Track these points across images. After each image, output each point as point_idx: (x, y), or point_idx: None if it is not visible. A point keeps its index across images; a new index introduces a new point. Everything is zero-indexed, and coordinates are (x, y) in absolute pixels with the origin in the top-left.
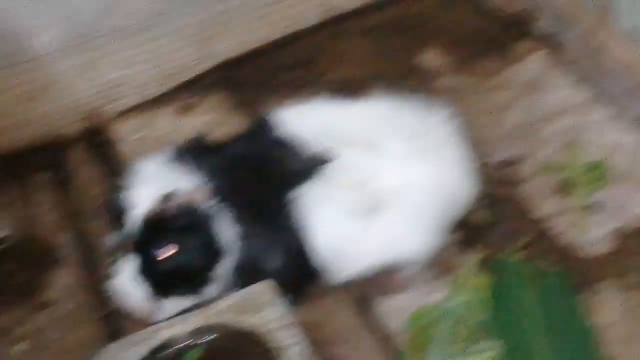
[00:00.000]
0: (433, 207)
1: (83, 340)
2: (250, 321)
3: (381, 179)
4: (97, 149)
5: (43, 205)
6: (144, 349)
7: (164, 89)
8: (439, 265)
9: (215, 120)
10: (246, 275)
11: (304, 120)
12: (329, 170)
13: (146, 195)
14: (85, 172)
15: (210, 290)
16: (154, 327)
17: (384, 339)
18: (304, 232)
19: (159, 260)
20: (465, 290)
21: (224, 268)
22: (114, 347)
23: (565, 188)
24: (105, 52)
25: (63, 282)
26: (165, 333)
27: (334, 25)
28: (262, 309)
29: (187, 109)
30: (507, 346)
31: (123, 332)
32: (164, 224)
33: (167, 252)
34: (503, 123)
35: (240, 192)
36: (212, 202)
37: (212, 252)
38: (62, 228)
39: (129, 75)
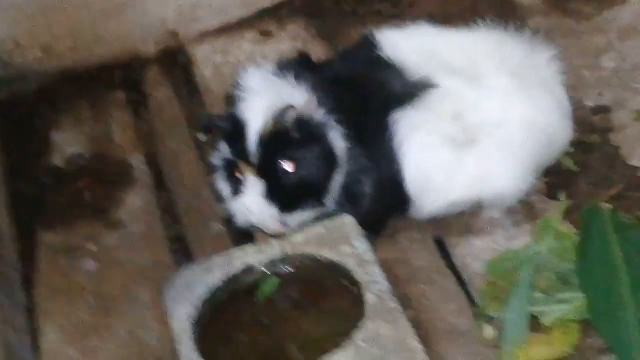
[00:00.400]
0: (529, 147)
1: (153, 262)
2: (330, 255)
3: (480, 112)
4: (174, 70)
5: (117, 125)
6: (218, 276)
7: (243, 13)
8: (523, 210)
9: (294, 48)
10: (347, 194)
11: (407, 43)
12: (428, 96)
13: (259, 108)
14: (160, 92)
15: (328, 201)
16: (228, 255)
17: (464, 281)
18: (398, 157)
19: (286, 175)
20: (549, 238)
21: (337, 180)
22: (187, 271)
23: None
24: None
25: (135, 202)
26: (240, 262)
27: None
28: (342, 244)
29: (266, 36)
30: (591, 298)
31: (194, 257)
32: (284, 138)
33: (292, 166)
34: (598, 67)
35: (344, 110)
36: (323, 113)
37: (329, 161)
38: (135, 148)
39: None
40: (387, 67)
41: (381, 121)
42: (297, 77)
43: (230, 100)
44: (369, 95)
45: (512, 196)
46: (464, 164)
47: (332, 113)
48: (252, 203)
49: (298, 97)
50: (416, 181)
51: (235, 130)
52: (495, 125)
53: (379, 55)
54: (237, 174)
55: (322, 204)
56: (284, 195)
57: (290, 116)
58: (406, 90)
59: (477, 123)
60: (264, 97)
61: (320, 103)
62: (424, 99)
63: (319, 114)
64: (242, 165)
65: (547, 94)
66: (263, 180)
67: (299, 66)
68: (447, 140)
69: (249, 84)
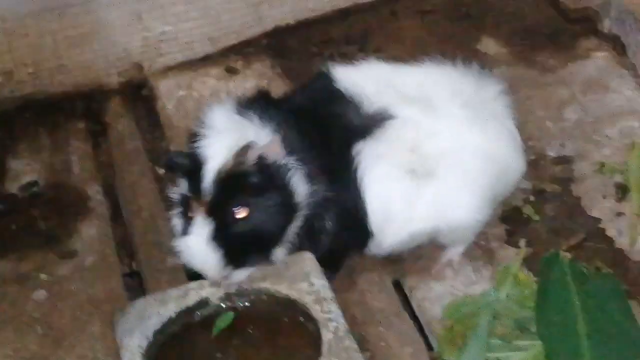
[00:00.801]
0: (484, 178)
1: (105, 294)
2: (287, 291)
3: (436, 143)
4: (137, 103)
5: (76, 154)
6: (173, 308)
7: (210, 49)
8: (483, 256)
9: (259, 86)
10: (308, 232)
11: (362, 77)
12: (386, 128)
13: (220, 146)
14: (122, 124)
15: (279, 253)
16: (184, 288)
17: (422, 325)
18: (360, 190)
19: (237, 221)
20: (509, 285)
21: (294, 228)
22: (141, 303)
23: (620, 191)
24: (156, 4)
25: (90, 233)
26: (195, 295)
27: (391, 4)
28: (301, 280)
29: (231, 73)
30: (549, 346)
31: (148, 291)
32: (241, 182)
33: (245, 213)
34: (561, 119)
35: (306, 147)
36: (286, 155)
37: (287, 212)
38: (92, 179)
39: (177, 32)
40: (344, 100)
41: (342, 155)
42: (260, 114)
43: (193, 137)
44: (329, 130)
45: (470, 227)
46: (423, 195)
47: (295, 152)
48: (195, 245)
49: (262, 136)
50: (377, 213)
51: (194, 168)
52: (451, 156)
53: (336, 88)
54: (189, 212)
55: (268, 260)
56: (231, 242)
57: (252, 156)
58: (365, 123)
59: (434, 154)
60: (227, 135)
61: (284, 141)
62: (382, 130)
63: (282, 156)
64: (194, 203)
65: (498, 126)
66: (211, 221)
67: (260, 103)
68: (407, 171)
69: (212, 121)
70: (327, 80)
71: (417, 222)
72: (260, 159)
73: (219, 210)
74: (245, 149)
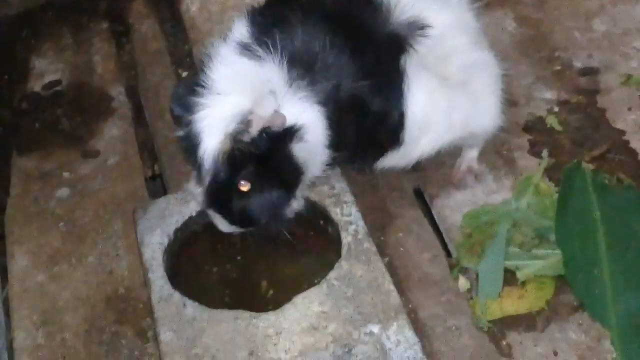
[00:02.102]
0: (499, 84)
1: (127, 193)
2: (307, 194)
3: (463, 55)
4: (160, 4)
5: (99, 55)
6: (195, 207)
7: None
8: (504, 166)
9: None
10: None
11: None
12: (424, 39)
13: (215, 120)
14: (145, 25)
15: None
16: None
17: (441, 232)
18: (398, 100)
19: (240, 199)
20: (529, 194)
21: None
22: (162, 201)
23: None
24: None
25: (112, 134)
26: None
27: None
28: (321, 183)
29: None
30: (568, 255)
31: (169, 192)
32: (242, 158)
33: (247, 188)
34: (589, 30)
35: (328, 60)
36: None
37: (295, 174)
38: (115, 80)
39: None
40: (373, 6)
41: (375, 65)
42: (271, 41)
43: (190, 108)
44: (359, 38)
45: (493, 131)
46: (459, 104)
47: (314, 74)
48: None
49: (270, 74)
50: (417, 123)
51: (191, 144)
52: (476, 67)
53: None
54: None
55: (283, 219)
56: (237, 215)
57: (254, 130)
58: (400, 32)
59: (466, 63)
60: (225, 100)
61: (301, 70)
62: (420, 40)
63: (284, 125)
64: (196, 177)
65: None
66: (212, 203)
67: (274, 17)
68: (445, 81)
69: (210, 79)
70: None
71: (452, 130)
72: (263, 131)
73: (218, 195)
74: (244, 124)
